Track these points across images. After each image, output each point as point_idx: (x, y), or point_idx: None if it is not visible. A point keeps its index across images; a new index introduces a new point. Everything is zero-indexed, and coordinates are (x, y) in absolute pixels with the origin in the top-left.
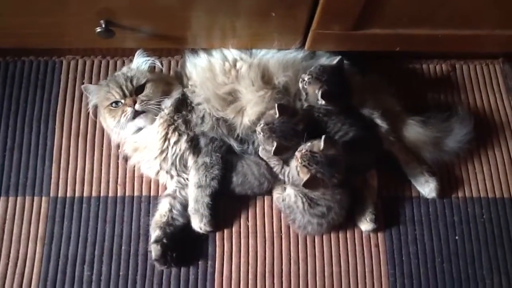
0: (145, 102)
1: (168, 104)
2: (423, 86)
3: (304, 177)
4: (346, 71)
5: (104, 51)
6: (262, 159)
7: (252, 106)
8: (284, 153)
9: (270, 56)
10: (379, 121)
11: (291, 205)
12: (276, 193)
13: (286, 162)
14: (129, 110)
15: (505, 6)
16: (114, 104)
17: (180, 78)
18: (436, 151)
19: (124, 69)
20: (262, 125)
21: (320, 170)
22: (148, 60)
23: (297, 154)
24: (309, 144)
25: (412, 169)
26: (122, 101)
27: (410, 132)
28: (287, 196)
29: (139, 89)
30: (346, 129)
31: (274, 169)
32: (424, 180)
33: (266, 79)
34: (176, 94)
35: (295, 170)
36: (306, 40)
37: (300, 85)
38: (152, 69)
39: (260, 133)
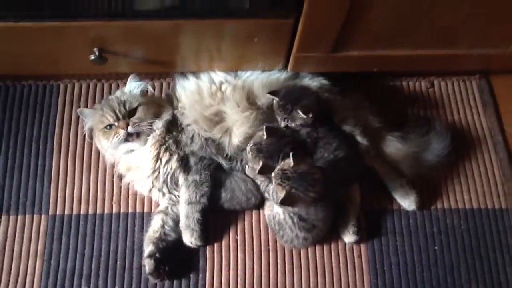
0: (137, 124)
1: (159, 125)
2: (402, 103)
3: (281, 194)
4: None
5: (99, 75)
6: (248, 176)
7: (239, 127)
8: (268, 172)
9: (255, 78)
10: (359, 138)
11: (281, 222)
12: (268, 210)
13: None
14: (121, 132)
15: (478, 26)
16: (108, 126)
17: (171, 101)
18: (415, 165)
19: (118, 93)
20: (251, 145)
21: (293, 186)
22: (140, 84)
23: (273, 174)
24: (282, 163)
25: (392, 183)
26: (116, 123)
27: (389, 148)
28: (276, 214)
29: (132, 112)
30: (333, 150)
31: (261, 187)
32: (404, 192)
33: (251, 100)
34: (166, 116)
35: (274, 190)
36: (288, 62)
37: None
38: (144, 92)
39: (248, 152)
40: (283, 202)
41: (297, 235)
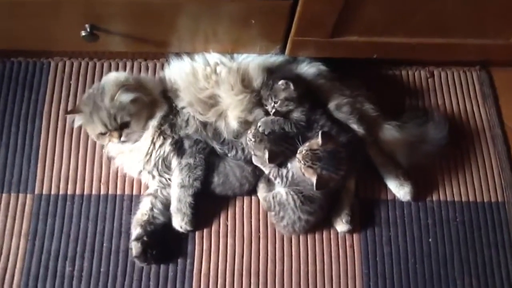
0: (130, 134)
1: (154, 123)
2: (401, 92)
3: (312, 177)
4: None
5: (91, 53)
6: (250, 164)
7: (232, 110)
8: (278, 159)
9: (251, 60)
10: (355, 126)
11: (283, 202)
12: (263, 192)
13: (280, 165)
14: (115, 140)
15: (475, 15)
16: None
17: (164, 83)
18: (411, 155)
19: (106, 101)
20: (253, 131)
21: (324, 167)
22: (130, 96)
23: (298, 156)
24: (307, 144)
25: (387, 173)
26: (108, 133)
27: (386, 137)
28: (277, 194)
29: (124, 124)
30: (330, 125)
31: (270, 174)
32: (399, 183)
33: (246, 83)
34: (160, 113)
35: (300, 172)
36: (286, 46)
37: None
38: (135, 101)
39: (251, 139)
40: (318, 186)
41: (299, 217)
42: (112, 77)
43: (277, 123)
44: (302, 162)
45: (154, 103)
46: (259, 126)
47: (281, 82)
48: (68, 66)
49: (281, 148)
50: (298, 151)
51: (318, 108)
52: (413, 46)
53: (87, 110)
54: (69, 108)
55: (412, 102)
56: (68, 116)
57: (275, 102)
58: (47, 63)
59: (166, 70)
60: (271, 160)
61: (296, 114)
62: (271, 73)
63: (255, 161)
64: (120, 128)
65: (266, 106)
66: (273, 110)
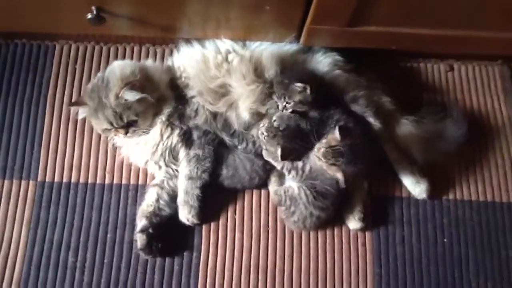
0: (136, 131)
1: (162, 118)
2: (419, 85)
3: (337, 174)
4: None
5: (97, 37)
6: (261, 157)
7: (244, 100)
8: (291, 156)
9: (264, 49)
10: (372, 120)
11: (295, 196)
12: (274, 186)
13: (294, 159)
14: (121, 135)
15: (504, 8)
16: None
17: (173, 71)
18: (428, 151)
19: (111, 99)
20: (267, 125)
21: (348, 161)
22: (136, 96)
23: (317, 155)
24: (324, 141)
25: (403, 169)
26: (114, 129)
27: (402, 132)
28: (289, 188)
29: (130, 123)
30: (345, 119)
31: (284, 168)
32: (415, 180)
33: (258, 72)
34: (168, 108)
35: (318, 165)
36: (301, 35)
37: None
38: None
39: (263, 134)
40: (346, 183)
41: (311, 213)
42: (117, 68)
43: (293, 119)
44: (323, 160)
45: (161, 99)
46: (274, 121)
47: (299, 85)
48: (74, 50)
49: (294, 145)
50: (316, 149)
51: (332, 104)
52: (435, 38)
53: (92, 105)
54: (73, 96)
55: (430, 97)
56: (72, 108)
57: (287, 103)
58: (51, 46)
59: (175, 56)
60: (283, 157)
61: (311, 112)
62: (285, 67)
63: (266, 155)
64: (127, 126)
65: (276, 102)
66: (285, 110)
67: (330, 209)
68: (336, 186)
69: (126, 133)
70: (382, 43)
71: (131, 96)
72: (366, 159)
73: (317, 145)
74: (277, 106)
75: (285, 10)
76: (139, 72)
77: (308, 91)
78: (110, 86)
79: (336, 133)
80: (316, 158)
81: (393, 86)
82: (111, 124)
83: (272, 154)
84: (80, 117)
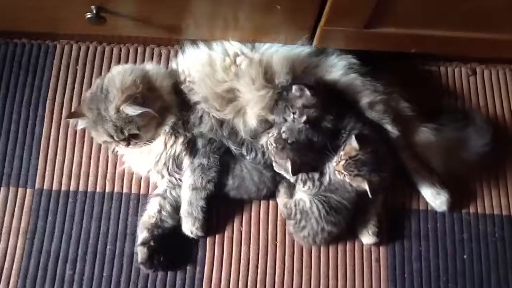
0: (138, 143)
1: (166, 129)
2: (439, 90)
3: (363, 185)
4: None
5: (100, 37)
6: (270, 169)
7: (252, 107)
8: (300, 170)
9: (274, 51)
10: (389, 127)
11: (306, 210)
12: (283, 198)
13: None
14: (122, 147)
15: None
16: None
17: (176, 75)
18: (449, 161)
19: (111, 112)
20: (275, 135)
21: (371, 170)
22: (138, 110)
23: (338, 169)
24: (342, 153)
25: (422, 179)
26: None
27: (422, 140)
28: (300, 201)
29: (132, 136)
30: (359, 127)
31: (298, 179)
32: (435, 192)
33: (268, 76)
34: (171, 119)
35: (338, 177)
36: (314, 36)
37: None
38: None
39: (271, 144)
40: (374, 193)
41: (322, 228)
42: (117, 77)
43: (304, 133)
44: (346, 173)
45: (164, 108)
46: (283, 132)
47: (294, 88)
48: (75, 50)
49: (306, 159)
50: (335, 163)
51: (346, 113)
52: (457, 40)
53: (91, 117)
54: (74, 100)
55: (451, 103)
56: (70, 120)
57: (293, 113)
58: (52, 46)
59: (180, 59)
60: (294, 171)
61: (324, 124)
62: (296, 72)
63: (276, 168)
64: (128, 138)
65: (287, 120)
66: (296, 122)
67: (343, 224)
68: (354, 199)
69: (127, 145)
70: (400, 46)
71: (132, 111)
72: (390, 164)
73: (336, 159)
74: (285, 119)
75: (297, 10)
76: (141, 82)
77: (307, 91)
78: (109, 98)
79: (354, 143)
80: (337, 172)
81: (412, 91)
82: (112, 137)
83: (282, 166)
84: (79, 128)
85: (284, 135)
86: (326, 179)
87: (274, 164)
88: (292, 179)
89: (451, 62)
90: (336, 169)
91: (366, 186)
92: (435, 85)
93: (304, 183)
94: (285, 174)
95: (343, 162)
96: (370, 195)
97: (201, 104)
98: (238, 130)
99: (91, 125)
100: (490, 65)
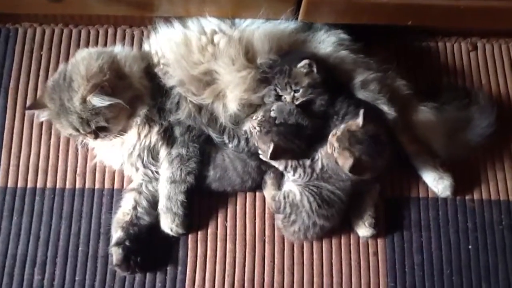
0: (108, 135)
1: (137, 120)
2: (438, 67)
3: (346, 162)
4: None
5: (67, 18)
6: (255, 157)
7: (232, 89)
8: (281, 157)
9: (256, 28)
10: (385, 108)
11: (296, 203)
12: (271, 190)
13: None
14: (90, 140)
15: None
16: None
17: (149, 57)
18: (450, 144)
19: (76, 103)
20: (260, 118)
21: (365, 151)
22: (106, 100)
23: (332, 139)
24: (342, 125)
25: (423, 163)
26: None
27: (421, 121)
28: (290, 193)
29: (100, 128)
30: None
31: (288, 166)
32: (437, 176)
33: (250, 55)
34: (144, 109)
35: (331, 157)
36: (299, 9)
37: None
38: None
39: (255, 128)
40: (354, 171)
41: (314, 222)
42: (81, 63)
43: (295, 115)
44: (336, 144)
45: (135, 96)
46: (272, 111)
47: (302, 63)
48: (39, 34)
49: (290, 145)
50: (331, 134)
51: (336, 96)
52: (459, 10)
53: (53, 108)
54: (39, 89)
55: (450, 80)
56: (29, 112)
57: (295, 91)
58: (13, 30)
59: (152, 39)
60: (274, 157)
61: (315, 106)
62: (282, 49)
63: (262, 156)
64: (96, 131)
65: (282, 96)
66: (296, 101)
67: (336, 217)
68: (349, 189)
69: (95, 138)
70: (395, 18)
71: (100, 101)
72: (387, 155)
73: (333, 131)
74: (277, 96)
75: None
76: (108, 68)
77: (315, 68)
78: (73, 87)
79: (360, 117)
80: (328, 145)
81: (408, 69)
82: (77, 130)
83: (266, 153)
84: (41, 119)
85: (273, 114)
86: (319, 165)
87: (259, 151)
88: (281, 167)
89: (450, 37)
90: (330, 139)
91: (349, 162)
92: (434, 61)
93: (295, 170)
94: (273, 162)
95: (339, 133)
96: (347, 170)
97: (177, 88)
98: (218, 116)
99: (54, 117)
100: (492, 39)
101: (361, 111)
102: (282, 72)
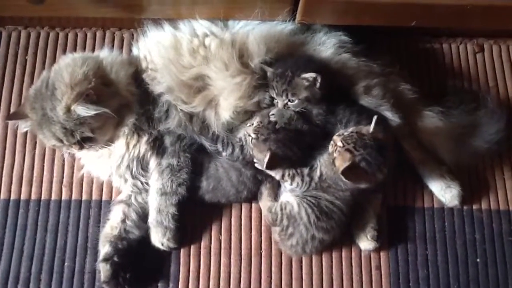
0: (93, 146)
1: (125, 130)
2: (443, 70)
3: (343, 163)
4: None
5: (53, 20)
6: (251, 166)
7: (226, 97)
8: (277, 166)
9: (250, 30)
10: (389, 114)
11: (294, 215)
12: (267, 201)
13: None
14: (75, 151)
15: None
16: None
17: (137, 62)
18: (457, 151)
19: (59, 112)
20: (255, 125)
21: (366, 158)
22: (92, 110)
23: (336, 138)
24: (352, 128)
25: (429, 171)
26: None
27: (426, 126)
28: (287, 204)
29: (85, 139)
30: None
31: (285, 175)
32: (444, 184)
33: (244, 60)
34: (131, 117)
35: (332, 172)
36: (297, 9)
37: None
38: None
39: (250, 136)
40: (345, 174)
41: (313, 236)
42: (65, 70)
43: (295, 121)
44: (340, 143)
45: (123, 106)
46: (272, 115)
47: (308, 75)
48: (24, 37)
49: (288, 153)
50: (337, 134)
51: (337, 104)
52: (465, 10)
53: (35, 118)
54: (23, 92)
55: (456, 84)
56: (10, 122)
57: (290, 101)
58: None
59: (141, 43)
60: (270, 166)
61: (313, 115)
62: (279, 52)
63: (258, 165)
64: (81, 141)
65: (275, 99)
66: (283, 105)
67: (337, 230)
68: (349, 200)
69: (81, 149)
70: (398, 19)
71: (85, 111)
72: (385, 170)
73: (340, 131)
74: (272, 101)
75: None
76: (94, 75)
77: (318, 84)
78: (57, 95)
79: (372, 124)
80: (332, 143)
81: (412, 72)
82: (61, 141)
83: (261, 162)
84: (22, 130)
85: (272, 118)
86: (317, 174)
87: (255, 160)
88: (278, 175)
89: (455, 38)
90: (334, 138)
91: (346, 163)
92: (439, 64)
93: (292, 179)
94: (270, 172)
95: (347, 133)
96: (340, 174)
97: (166, 95)
98: (210, 124)
99: (36, 128)
100: (500, 40)
101: (375, 118)
102: (283, 77)
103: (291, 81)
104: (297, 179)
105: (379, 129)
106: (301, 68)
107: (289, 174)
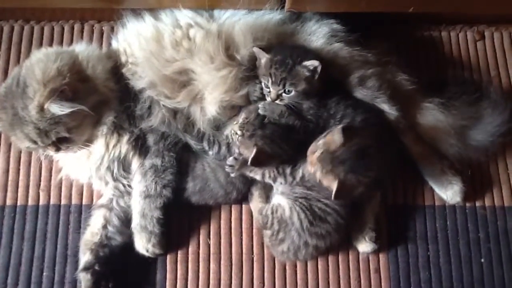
0: (70, 147)
1: (104, 130)
2: (443, 59)
3: (331, 185)
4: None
5: (27, 12)
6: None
7: (211, 91)
8: (264, 163)
9: (236, 20)
10: (386, 107)
11: (285, 219)
12: (258, 203)
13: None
14: (51, 152)
15: None
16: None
17: (115, 56)
18: (459, 144)
19: (32, 112)
20: (242, 120)
21: (349, 170)
22: (67, 107)
23: (312, 159)
24: (321, 141)
25: (430, 166)
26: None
27: (427, 119)
28: (278, 207)
29: (61, 139)
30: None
31: (266, 177)
32: (446, 180)
33: (230, 52)
34: (110, 116)
35: (315, 176)
36: None
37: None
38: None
39: (236, 133)
40: (339, 196)
41: (305, 242)
42: (37, 66)
43: (286, 117)
44: (317, 166)
45: (101, 103)
46: (261, 108)
47: (310, 63)
48: None
49: (277, 150)
50: (310, 151)
51: (329, 97)
52: None
53: (5, 119)
54: None
55: (456, 73)
56: None
57: (286, 91)
58: None
59: (120, 35)
60: (257, 163)
61: (303, 109)
62: (268, 42)
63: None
64: (57, 142)
65: (267, 88)
66: (276, 97)
67: (333, 235)
68: (345, 201)
69: (57, 151)
70: (395, 5)
71: (59, 109)
72: (376, 169)
73: (311, 147)
74: (262, 94)
75: None
76: (69, 70)
77: (317, 74)
78: (28, 93)
79: (337, 135)
80: (310, 163)
81: (410, 61)
82: (35, 142)
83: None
84: None
85: (261, 111)
86: (299, 174)
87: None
88: (258, 176)
89: (454, 26)
90: (309, 159)
91: (334, 186)
92: (438, 53)
93: (274, 179)
94: (248, 173)
95: (317, 153)
96: (332, 197)
97: (148, 91)
98: (195, 121)
99: (7, 129)
100: (501, 26)
101: (339, 128)
102: (283, 64)
103: (292, 69)
104: (280, 179)
105: (350, 136)
106: (301, 56)
107: (270, 175)
